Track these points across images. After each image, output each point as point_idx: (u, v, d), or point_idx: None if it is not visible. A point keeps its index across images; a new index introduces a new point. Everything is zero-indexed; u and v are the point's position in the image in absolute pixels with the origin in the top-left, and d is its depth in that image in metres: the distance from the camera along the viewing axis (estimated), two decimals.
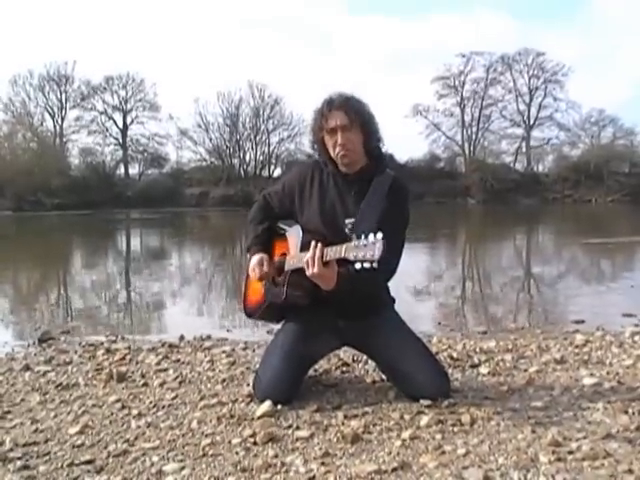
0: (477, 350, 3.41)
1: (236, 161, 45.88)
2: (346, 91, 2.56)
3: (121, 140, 45.99)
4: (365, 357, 3.01)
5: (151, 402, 2.61)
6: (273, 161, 46.55)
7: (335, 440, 2.13)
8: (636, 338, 3.66)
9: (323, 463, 1.95)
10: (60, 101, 45.14)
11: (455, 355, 3.27)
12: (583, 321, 4.60)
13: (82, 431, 2.29)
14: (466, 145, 47.05)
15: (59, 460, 2.05)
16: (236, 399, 2.59)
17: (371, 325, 2.56)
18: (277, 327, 2.79)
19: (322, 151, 2.57)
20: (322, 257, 2.26)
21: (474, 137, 47.02)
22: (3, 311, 5.85)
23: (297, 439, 2.15)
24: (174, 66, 69.57)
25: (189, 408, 2.52)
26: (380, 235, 2.03)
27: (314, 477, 1.87)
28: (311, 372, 2.80)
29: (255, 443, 2.12)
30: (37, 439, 2.24)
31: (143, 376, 3.05)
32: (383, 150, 2.62)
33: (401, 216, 2.51)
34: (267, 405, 2.39)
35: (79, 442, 2.19)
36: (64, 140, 45.68)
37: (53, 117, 45.30)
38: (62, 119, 45.47)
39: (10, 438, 2.23)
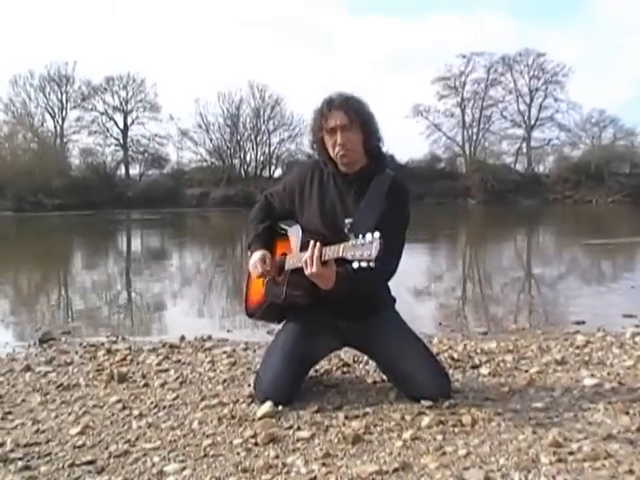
0: (478, 351, 3.41)
1: (237, 161, 45.94)
2: (346, 91, 2.56)
3: (122, 140, 46.01)
4: (366, 357, 3.01)
5: (152, 403, 2.61)
6: (274, 161, 46.60)
7: (336, 441, 2.13)
8: (637, 339, 3.66)
9: (324, 464, 1.95)
10: (61, 101, 45.20)
11: (456, 356, 3.27)
12: (584, 322, 4.60)
13: (83, 432, 2.29)
14: (467, 146, 47.08)
15: (60, 461, 2.05)
16: (237, 400, 2.59)
17: (372, 325, 2.56)
18: (278, 327, 2.79)
19: (322, 151, 2.57)
20: (321, 256, 2.26)
21: (475, 138, 47.07)
22: (4, 312, 5.86)
23: (298, 440, 2.15)
24: (174, 66, 69.71)
25: (190, 409, 2.52)
26: (377, 234, 2.03)
27: (315, 478, 1.87)
28: (312, 372, 2.80)
29: (256, 444, 2.12)
30: (38, 440, 2.24)
31: (144, 377, 3.06)
32: (383, 150, 2.62)
33: (401, 216, 2.51)
34: (268, 406, 2.39)
35: (80, 443, 2.19)
36: (65, 140, 45.74)
37: (54, 117, 45.37)
38: (63, 119, 45.54)
39: (11, 439, 2.23)
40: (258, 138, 45.89)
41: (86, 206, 34.04)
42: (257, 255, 2.58)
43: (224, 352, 3.54)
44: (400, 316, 2.67)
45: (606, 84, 67.25)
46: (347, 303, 2.46)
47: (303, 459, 1.99)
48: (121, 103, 45.90)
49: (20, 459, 2.07)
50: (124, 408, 2.56)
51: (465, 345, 3.57)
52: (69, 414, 2.51)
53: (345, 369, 3.03)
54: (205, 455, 2.05)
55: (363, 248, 2.05)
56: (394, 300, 2.70)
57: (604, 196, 39.58)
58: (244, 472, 1.92)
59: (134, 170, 46.51)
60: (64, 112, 45.34)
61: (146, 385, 2.90)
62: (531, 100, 46.44)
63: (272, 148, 46.20)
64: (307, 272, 2.28)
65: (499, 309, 5.74)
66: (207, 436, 2.21)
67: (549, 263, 9.96)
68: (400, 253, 2.50)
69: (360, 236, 2.07)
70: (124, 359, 3.43)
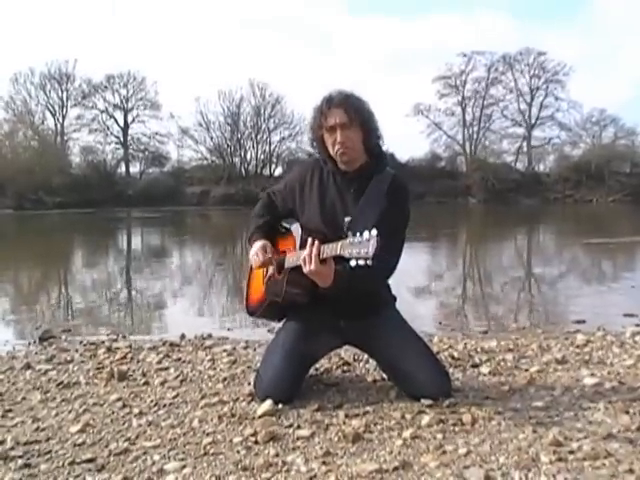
0: (478, 350, 3.41)
1: (237, 160, 46.01)
2: (346, 89, 2.55)
3: (122, 139, 46.04)
4: (366, 356, 3.01)
5: (152, 401, 2.61)
6: (274, 160, 46.67)
7: (336, 439, 2.13)
8: (637, 338, 3.66)
9: (324, 462, 1.95)
10: (61, 99, 45.26)
11: (456, 355, 3.27)
12: (584, 321, 4.60)
13: (83, 430, 2.29)
14: (467, 144, 47.10)
15: (60, 459, 2.05)
16: (237, 398, 2.59)
17: (372, 324, 2.55)
18: (278, 326, 2.79)
19: (321, 149, 2.56)
20: (319, 254, 2.26)
21: (475, 136, 47.09)
22: (4, 310, 5.86)
23: (298, 438, 2.15)
24: (175, 65, 69.84)
25: (190, 407, 2.52)
26: (374, 232, 2.03)
27: (315, 476, 1.87)
28: (312, 371, 2.80)
29: (256, 442, 2.12)
30: (38, 437, 2.24)
31: (144, 375, 3.06)
32: (383, 148, 2.62)
33: (400, 215, 2.51)
34: (268, 404, 2.39)
35: (80, 441, 2.19)
36: (65, 138, 45.80)
37: (54, 115, 45.42)
38: (63, 117, 45.62)
39: (11, 437, 2.24)
40: (258, 136, 46.00)
41: (86, 204, 34.07)
42: (258, 244, 2.59)
43: (224, 350, 3.54)
44: (401, 315, 2.67)
45: (606, 84, 67.36)
46: (347, 301, 2.46)
47: (303, 457, 1.99)
48: (122, 101, 46.01)
49: (20, 457, 2.07)
50: (124, 406, 2.56)
51: (465, 344, 3.57)
52: (69, 412, 2.51)
53: (345, 368, 3.03)
54: (205, 453, 2.05)
55: (360, 246, 2.05)
56: (394, 299, 2.70)
57: (604, 195, 39.58)
58: (244, 470, 1.92)
59: (134, 168, 46.70)
60: (65, 110, 45.47)
61: (146, 383, 2.90)
62: (532, 99, 46.50)
63: (272, 146, 46.35)
64: (305, 270, 2.28)
65: (499, 308, 5.73)
66: (207, 434, 2.21)
67: (549, 262, 9.96)
68: (400, 251, 2.50)
69: (358, 234, 2.07)
70: (124, 357, 3.43)
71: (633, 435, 2.09)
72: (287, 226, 2.70)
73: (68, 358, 3.50)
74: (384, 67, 72.56)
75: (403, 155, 42.43)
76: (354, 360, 3.14)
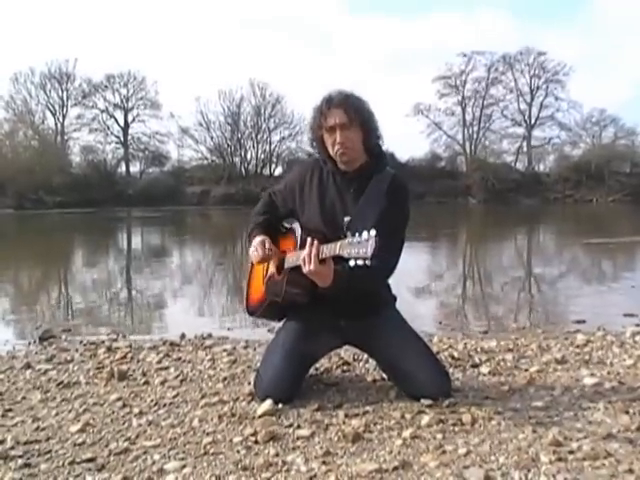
0: (478, 350, 3.41)
1: (237, 160, 45.99)
2: (346, 89, 2.55)
3: (122, 138, 46.03)
4: (366, 356, 3.01)
5: (152, 400, 2.62)
6: (274, 160, 46.66)
7: (336, 439, 2.13)
8: (637, 338, 3.66)
9: (324, 462, 1.95)
10: (61, 99, 45.24)
11: (456, 355, 3.27)
12: (584, 321, 4.60)
13: (83, 429, 2.29)
14: (467, 144, 47.08)
15: (60, 458, 2.05)
16: (237, 398, 2.59)
17: (372, 324, 2.56)
18: (278, 326, 2.79)
19: (321, 149, 2.56)
20: (318, 254, 2.26)
21: (475, 136, 47.07)
22: (4, 309, 5.86)
23: (298, 438, 2.15)
24: (175, 65, 69.86)
25: (190, 406, 2.53)
26: (373, 232, 2.03)
27: (315, 476, 1.87)
28: (312, 371, 2.80)
29: (256, 442, 2.12)
30: (38, 437, 2.24)
31: (144, 374, 3.06)
32: (383, 148, 2.62)
33: (400, 214, 2.51)
34: (268, 404, 2.39)
35: (80, 440, 2.19)
36: (65, 138, 45.79)
37: (54, 115, 45.41)
38: (63, 117, 45.61)
39: (11, 436, 2.24)
40: (259, 136, 45.98)
41: (87, 204, 34.07)
42: (257, 239, 2.58)
43: (224, 350, 3.54)
44: (401, 315, 2.67)
45: (606, 83, 67.40)
46: (347, 301, 2.46)
47: (303, 457, 1.99)
48: (122, 101, 46.01)
49: (20, 457, 2.07)
50: (124, 406, 2.56)
51: (465, 344, 3.57)
52: (69, 412, 2.51)
53: (345, 367, 3.03)
54: (205, 453, 2.05)
55: (359, 246, 2.05)
56: (395, 299, 2.70)
57: (604, 195, 39.58)
58: (244, 470, 1.92)
59: (135, 168, 46.69)
60: (65, 110, 45.47)
61: (146, 383, 2.91)
62: (532, 99, 46.47)
63: (273, 146, 46.34)
64: (305, 270, 2.28)
65: (499, 308, 5.74)
66: (207, 434, 2.21)
67: (549, 262, 9.96)
68: (399, 251, 2.50)
69: (356, 234, 2.07)
70: (124, 357, 3.43)
71: (633, 435, 2.09)
72: (287, 226, 2.70)
73: (68, 358, 3.50)
74: (384, 67, 72.62)
75: (403, 155, 42.52)
76: (354, 360, 3.14)
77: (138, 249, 13.91)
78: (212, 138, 45.50)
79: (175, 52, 73.52)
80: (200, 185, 41.44)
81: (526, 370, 2.97)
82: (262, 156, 46.33)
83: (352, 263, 2.08)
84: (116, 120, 46.21)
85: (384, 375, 2.73)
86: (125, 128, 46.14)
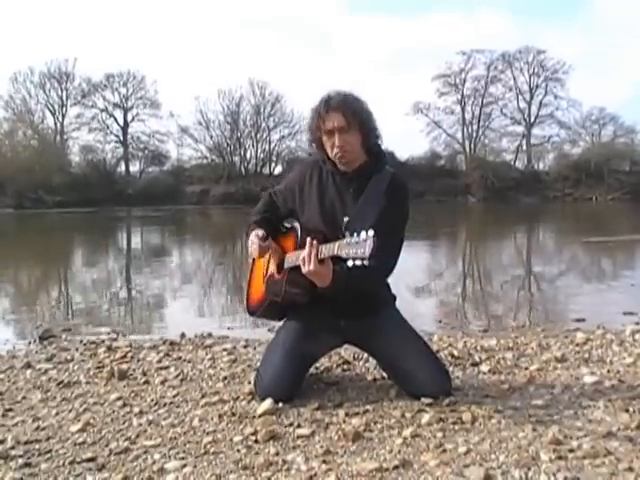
0: (478, 348, 3.41)
1: (237, 159, 45.99)
2: (344, 89, 2.55)
3: (122, 137, 46.03)
4: (366, 355, 3.01)
5: (152, 400, 2.62)
6: (274, 159, 46.66)
7: (336, 438, 2.13)
8: (637, 336, 3.66)
9: (324, 461, 1.95)
10: (61, 98, 45.22)
11: (456, 353, 3.27)
12: (584, 319, 4.60)
13: (83, 429, 2.29)
14: (467, 143, 47.08)
15: (61, 458, 2.05)
16: (237, 397, 2.59)
17: (372, 323, 2.56)
18: (278, 325, 2.79)
19: (320, 150, 2.56)
20: (317, 254, 2.26)
21: (475, 135, 47.06)
22: (4, 309, 5.86)
23: (298, 437, 2.15)
24: (175, 64, 69.94)
25: (190, 406, 2.53)
26: (371, 232, 2.03)
27: (315, 475, 1.87)
28: (312, 370, 2.80)
29: (256, 441, 2.12)
30: (39, 437, 2.24)
31: (144, 374, 3.06)
32: (383, 147, 2.62)
33: (400, 214, 2.51)
34: (268, 403, 2.40)
35: (80, 440, 2.19)
36: (65, 137, 45.78)
37: (54, 114, 45.40)
38: (63, 116, 45.59)
39: (12, 436, 2.24)
40: (258, 135, 45.98)
41: (86, 203, 34.06)
42: (253, 233, 2.58)
43: (224, 349, 3.54)
44: (400, 314, 2.67)
45: (606, 82, 67.33)
46: (346, 301, 2.46)
47: (303, 456, 1.99)
48: (121, 100, 45.99)
49: (20, 456, 2.07)
50: (124, 405, 2.56)
51: (465, 342, 3.57)
52: (69, 411, 2.51)
53: (345, 367, 3.03)
54: (205, 452, 2.05)
55: (357, 246, 2.05)
56: (394, 298, 2.70)
57: (604, 194, 39.58)
58: (244, 469, 1.92)
59: (134, 167, 46.68)
60: (64, 109, 45.46)
61: (146, 382, 2.91)
62: (531, 97, 46.48)
63: (272, 145, 46.34)
64: (304, 270, 2.29)
65: (499, 306, 5.74)
66: (207, 433, 2.21)
67: (549, 261, 9.96)
68: (398, 251, 2.50)
69: (355, 234, 2.08)
70: (124, 356, 3.43)
71: (633, 433, 2.09)
72: (288, 225, 2.70)
73: (68, 357, 3.50)
74: (384, 66, 72.49)
75: (403, 154, 42.55)
76: (354, 359, 3.14)
77: (138, 249, 13.91)
78: (212, 137, 45.57)
79: (175, 52, 73.57)
80: (200, 184, 41.43)
81: (526, 368, 2.97)
82: (262, 155, 46.39)
83: (350, 263, 2.08)
84: (115, 119, 46.28)
85: (384, 374, 2.73)
86: (125, 127, 46.13)
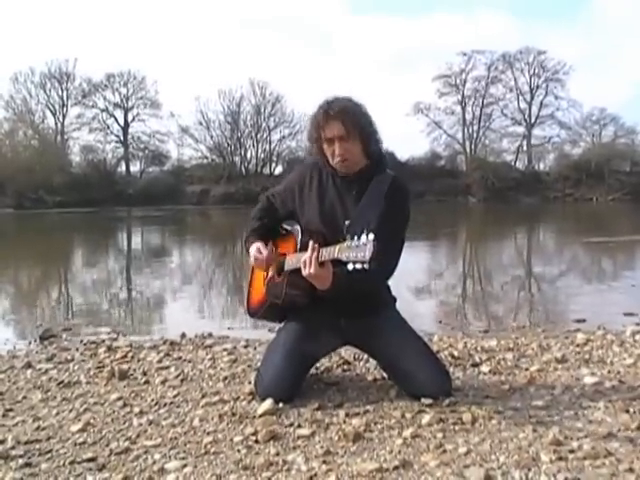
0: (478, 349, 3.41)
1: (237, 159, 45.95)
2: (344, 94, 2.54)
3: (122, 137, 46.00)
4: (366, 355, 3.01)
5: (153, 400, 2.62)
6: (274, 159, 46.59)
7: (336, 438, 2.13)
8: (637, 337, 3.66)
9: (324, 461, 1.95)
10: (61, 98, 45.20)
11: (456, 354, 3.27)
12: (584, 320, 4.60)
13: (84, 429, 2.29)
14: (467, 143, 47.04)
15: (61, 458, 2.05)
16: (238, 397, 2.59)
17: (372, 324, 2.56)
18: (278, 325, 2.79)
19: (321, 157, 2.56)
20: (318, 257, 2.26)
21: (475, 135, 47.02)
22: (5, 309, 5.86)
23: (298, 437, 2.15)
24: (175, 64, 69.92)
25: (191, 406, 2.53)
26: (371, 236, 2.04)
27: (316, 475, 1.87)
28: (312, 370, 2.80)
29: (257, 441, 2.12)
30: (39, 437, 2.24)
31: (145, 374, 3.06)
32: (383, 149, 2.62)
33: (400, 216, 2.51)
34: (269, 403, 2.39)
35: (81, 440, 2.19)
36: (65, 137, 45.75)
37: (54, 114, 45.36)
38: (63, 116, 45.55)
39: (12, 436, 2.24)
40: (259, 135, 45.94)
41: (87, 203, 34.06)
42: (252, 248, 2.61)
43: (225, 349, 3.54)
44: (400, 315, 2.67)
45: (607, 82, 67.37)
46: (346, 301, 2.46)
47: (304, 456, 1.99)
48: (122, 100, 45.95)
49: (21, 456, 2.07)
50: (125, 405, 2.56)
51: (465, 343, 3.57)
52: (70, 411, 2.51)
53: (346, 367, 3.03)
54: (206, 452, 2.05)
55: (357, 250, 2.06)
56: (394, 300, 2.70)
57: (604, 194, 39.55)
58: (245, 469, 1.92)
59: (134, 167, 46.65)
60: (65, 109, 45.43)
61: (147, 382, 2.91)
62: (532, 98, 46.45)
63: (273, 145, 46.30)
64: (304, 273, 2.29)
65: (499, 307, 5.74)
66: (208, 433, 2.21)
67: (549, 261, 9.96)
68: (399, 253, 2.50)
69: (355, 238, 2.08)
70: (125, 356, 3.43)
71: (633, 434, 2.09)
72: (288, 227, 2.70)
73: (69, 357, 3.50)
74: (385, 66, 72.47)
75: (403, 154, 42.49)
76: (354, 359, 3.14)
77: (138, 249, 13.92)
78: (212, 137, 45.53)
79: (175, 52, 73.54)
80: (200, 184, 41.42)
81: (526, 369, 2.97)
82: (262, 155, 46.34)
83: (350, 267, 2.08)
84: (116, 119, 46.25)
85: (384, 374, 2.73)
86: (125, 127, 46.12)
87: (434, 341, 3.63)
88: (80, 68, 46.51)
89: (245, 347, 3.64)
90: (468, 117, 46.94)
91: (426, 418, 2.25)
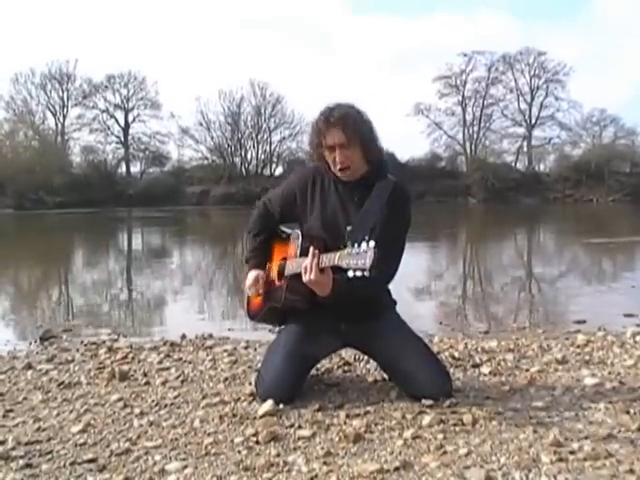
0: (478, 350, 3.41)
1: (237, 159, 45.94)
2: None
3: (123, 138, 46.01)
4: (366, 357, 3.01)
5: (153, 401, 2.62)
6: (274, 160, 46.59)
7: (337, 439, 2.13)
8: (637, 338, 3.66)
9: (325, 462, 1.95)
10: (62, 99, 45.19)
11: (456, 355, 3.27)
12: (584, 321, 4.60)
13: (84, 430, 2.29)
14: (467, 144, 47.02)
15: (62, 459, 2.05)
16: (238, 398, 2.59)
17: (372, 327, 2.56)
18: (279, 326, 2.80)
19: (322, 163, 2.56)
20: (318, 264, 2.27)
21: (475, 136, 47.00)
22: (5, 309, 5.86)
23: (299, 438, 2.15)
24: (175, 65, 69.87)
25: (191, 407, 2.53)
26: (372, 244, 2.04)
27: (316, 476, 1.87)
28: (313, 371, 2.80)
29: (257, 442, 2.12)
30: (39, 438, 2.24)
31: (145, 375, 3.06)
32: (384, 155, 2.62)
33: (402, 221, 2.51)
34: (269, 404, 2.40)
35: (81, 441, 2.19)
36: (66, 138, 45.75)
37: (55, 115, 45.37)
38: (64, 117, 45.56)
39: (13, 437, 2.24)
40: (259, 136, 45.93)
41: (87, 204, 34.06)
42: (251, 276, 2.64)
43: (225, 350, 3.55)
44: (401, 317, 2.67)
45: (607, 83, 67.40)
46: (347, 306, 2.47)
47: (304, 458, 1.99)
48: (122, 101, 45.96)
49: (21, 457, 2.07)
50: (125, 406, 2.56)
51: (466, 344, 3.57)
52: (70, 412, 2.51)
53: (346, 368, 3.03)
54: (206, 453, 2.05)
55: (358, 257, 2.06)
56: (395, 302, 2.71)
57: (604, 195, 39.53)
58: (245, 470, 1.92)
59: (135, 168, 46.66)
60: (65, 110, 45.42)
61: (147, 383, 2.91)
62: (532, 99, 46.42)
63: (273, 146, 46.27)
64: (305, 279, 2.30)
65: (500, 308, 5.74)
66: (208, 434, 2.21)
67: (550, 262, 9.96)
68: (399, 257, 2.51)
69: (355, 245, 2.08)
70: (125, 357, 3.43)
71: (634, 435, 2.09)
72: (288, 231, 2.69)
73: (69, 358, 3.50)
74: (384, 66, 72.47)
75: (403, 155, 42.46)
76: (355, 360, 3.14)
77: (139, 249, 13.92)
78: (212, 138, 45.52)
79: (175, 52, 73.56)
80: (200, 185, 41.41)
81: (527, 370, 2.97)
82: (262, 156, 46.32)
83: (351, 274, 2.09)
84: (116, 120, 46.25)
85: (385, 375, 2.73)
86: (125, 128, 46.13)
87: (434, 342, 3.63)
88: (80, 69, 46.78)
89: (245, 348, 3.64)
90: (468, 118, 46.97)
91: (427, 419, 2.25)
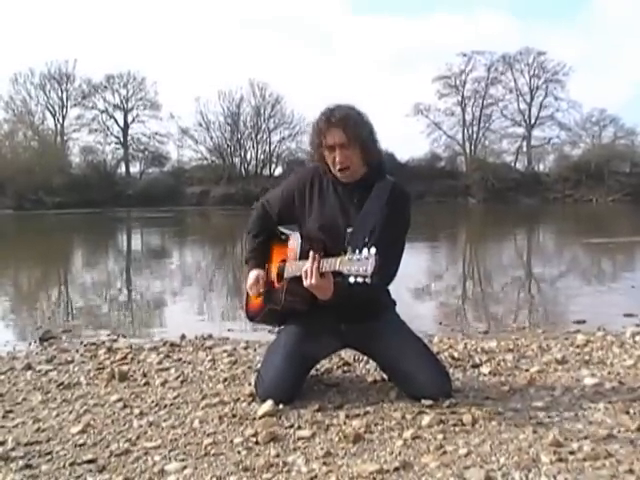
0: (478, 350, 3.41)
1: (237, 160, 45.98)
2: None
3: (122, 139, 46.03)
4: (366, 357, 3.01)
5: (153, 401, 2.62)
6: (274, 160, 46.63)
7: (337, 440, 2.13)
8: (637, 338, 3.66)
9: (325, 463, 1.95)
10: (61, 99, 45.23)
11: (456, 355, 3.27)
12: (584, 321, 4.60)
13: (84, 430, 2.29)
14: (467, 144, 47.06)
15: (61, 459, 2.05)
16: (238, 398, 2.59)
17: (372, 328, 2.56)
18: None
19: (322, 163, 2.57)
20: (319, 268, 2.27)
21: (475, 136, 47.03)
22: (4, 310, 5.86)
23: (299, 438, 2.15)
24: (175, 65, 69.90)
25: (191, 407, 2.53)
26: (373, 250, 2.05)
27: (316, 477, 1.87)
28: (313, 371, 2.80)
29: (257, 442, 2.12)
30: (39, 438, 2.24)
31: (145, 375, 3.06)
32: (383, 152, 2.62)
33: (401, 222, 2.51)
34: (269, 404, 2.40)
35: (81, 441, 2.19)
36: (65, 138, 45.78)
37: (54, 115, 45.39)
38: (63, 117, 45.59)
39: (12, 437, 2.24)
40: (258, 136, 45.95)
41: (86, 204, 34.06)
42: (252, 276, 2.64)
43: (225, 351, 3.55)
44: (400, 318, 2.67)
45: (606, 83, 67.45)
46: (347, 308, 2.47)
47: (304, 458, 1.99)
48: (121, 101, 46.00)
49: (21, 458, 2.07)
50: (125, 407, 2.56)
51: (465, 344, 3.57)
52: (70, 413, 2.51)
53: (346, 368, 3.03)
54: (206, 454, 2.05)
55: (359, 264, 2.06)
56: (394, 303, 2.71)
57: (604, 195, 39.55)
58: (245, 471, 1.92)
59: (134, 168, 46.72)
60: (64, 110, 45.46)
61: (147, 384, 2.91)
62: (531, 99, 46.46)
63: (272, 146, 46.30)
64: (306, 284, 2.30)
65: (499, 308, 5.74)
66: (208, 435, 2.21)
67: (549, 262, 9.96)
68: (399, 259, 2.51)
69: (357, 251, 2.09)
70: (125, 358, 3.43)
71: (633, 435, 2.09)
72: (286, 232, 2.69)
73: (69, 359, 3.50)
74: (384, 66, 72.56)
75: (403, 155, 42.52)
76: (354, 360, 3.14)
77: (138, 250, 13.92)
78: (212, 138, 45.56)
79: (175, 52, 73.61)
80: (200, 185, 41.42)
81: (526, 370, 2.97)
82: (262, 156, 46.35)
83: (352, 280, 2.09)
84: (116, 121, 46.28)
85: (384, 376, 2.73)
86: (125, 129, 46.15)
87: (434, 342, 3.63)
88: (80, 69, 46.90)
89: (245, 348, 3.64)
90: (468, 118, 47.00)
91: (426, 419, 2.25)
